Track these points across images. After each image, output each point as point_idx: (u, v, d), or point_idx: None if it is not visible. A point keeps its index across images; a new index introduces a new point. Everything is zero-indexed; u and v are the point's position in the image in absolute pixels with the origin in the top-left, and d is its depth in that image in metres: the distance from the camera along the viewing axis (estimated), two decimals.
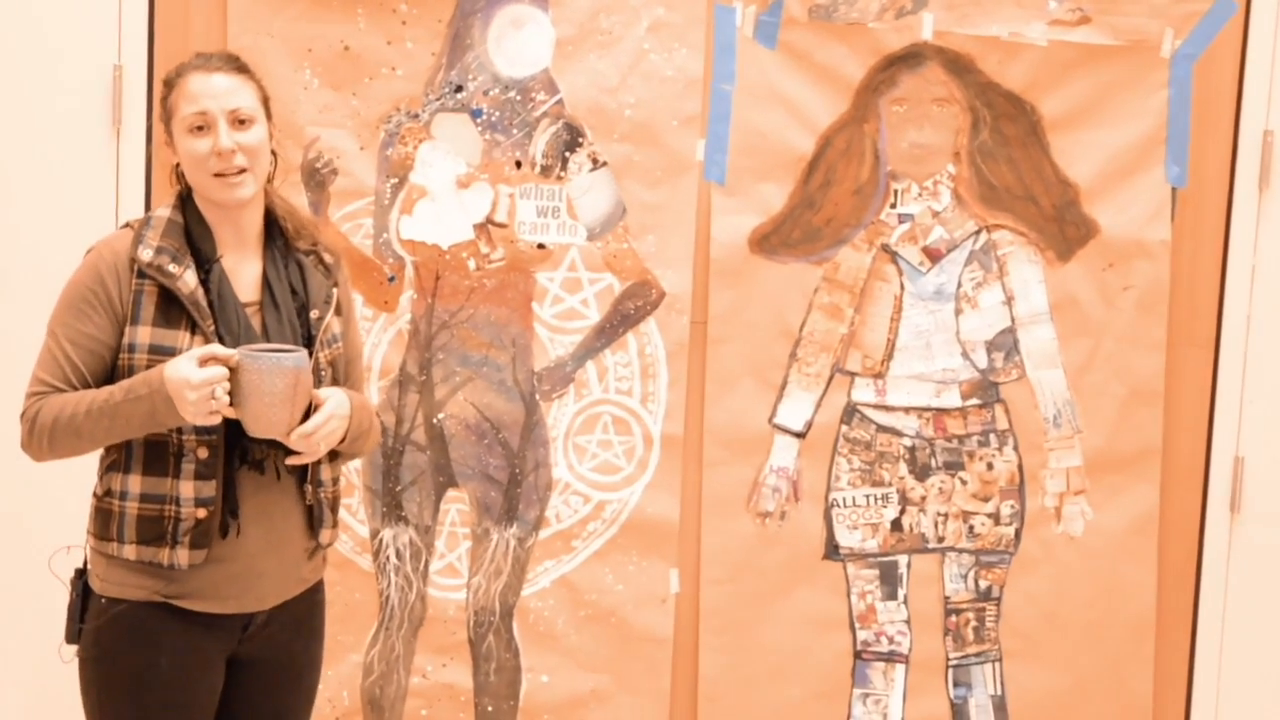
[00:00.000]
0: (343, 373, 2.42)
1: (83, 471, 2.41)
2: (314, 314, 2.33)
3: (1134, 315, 3.24)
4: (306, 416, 2.23)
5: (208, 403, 2.12)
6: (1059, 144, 3.21)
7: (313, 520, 2.35)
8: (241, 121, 2.26)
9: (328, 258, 2.41)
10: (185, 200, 2.32)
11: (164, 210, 2.31)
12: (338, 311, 2.38)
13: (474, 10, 3.15)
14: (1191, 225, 3.24)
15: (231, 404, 2.15)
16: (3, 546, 3.19)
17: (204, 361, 2.14)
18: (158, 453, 2.24)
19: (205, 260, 2.26)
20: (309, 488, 2.33)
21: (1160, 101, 3.19)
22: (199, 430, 2.21)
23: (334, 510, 2.40)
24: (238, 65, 2.31)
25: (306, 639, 2.44)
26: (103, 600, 2.27)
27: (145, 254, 2.23)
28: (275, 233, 2.36)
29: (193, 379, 2.11)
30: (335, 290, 2.39)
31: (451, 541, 3.24)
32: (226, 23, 3.10)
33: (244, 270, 2.31)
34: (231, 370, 2.14)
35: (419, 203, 3.17)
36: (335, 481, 2.40)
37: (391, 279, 3.19)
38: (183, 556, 2.23)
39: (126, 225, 2.33)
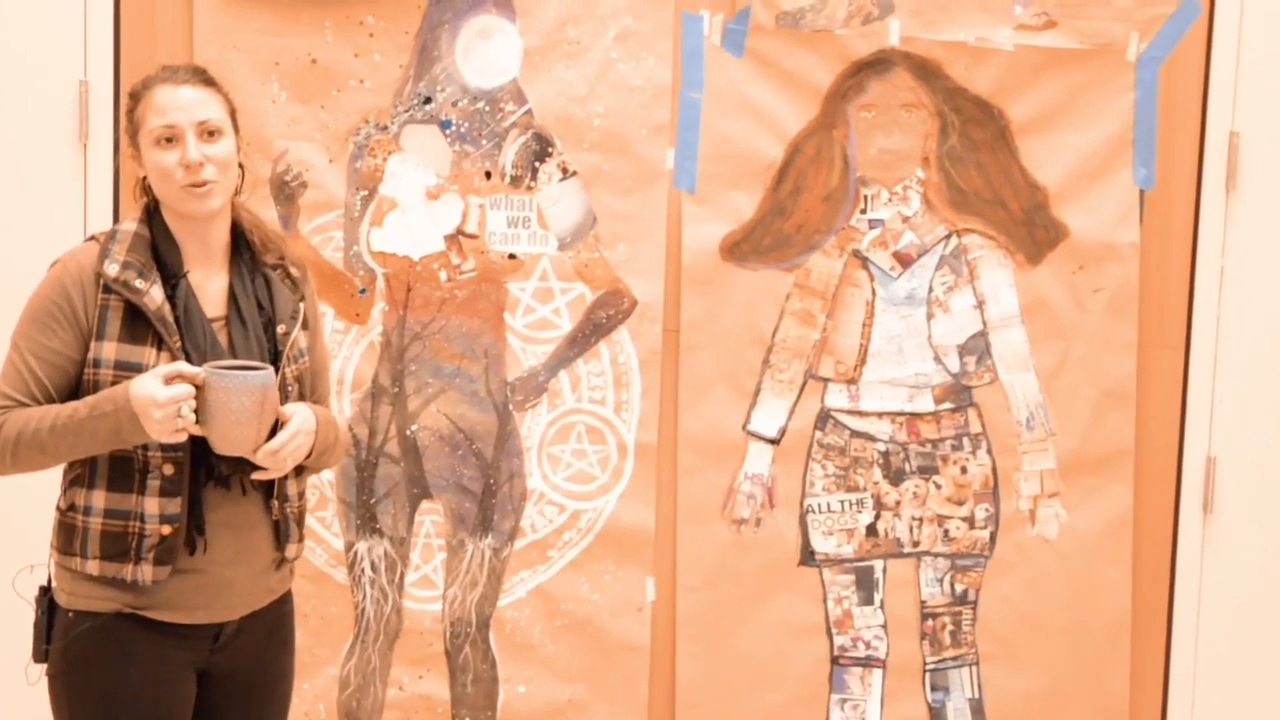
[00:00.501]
0: (309, 387, 2.41)
1: (43, 490, 2.39)
2: (280, 329, 2.32)
3: (1105, 317, 3.25)
4: (273, 433, 2.22)
5: (173, 421, 2.11)
6: (1027, 148, 3.22)
7: (279, 534, 2.34)
8: (210, 133, 2.25)
9: (294, 271, 2.40)
10: (151, 214, 2.31)
11: (130, 224, 2.29)
12: (304, 326, 2.38)
13: (441, 22, 3.14)
14: (1160, 227, 3.25)
15: (198, 422, 2.14)
16: None
17: (170, 379, 2.13)
18: (123, 469, 2.22)
19: (171, 275, 2.25)
20: (275, 503, 2.32)
21: (1127, 104, 3.21)
22: (165, 447, 2.20)
23: (300, 524, 2.39)
24: (205, 78, 2.31)
25: (277, 649, 2.43)
26: (70, 614, 2.26)
27: (111, 269, 2.22)
28: (242, 246, 2.35)
29: (158, 397, 2.10)
30: (302, 305, 2.38)
31: (427, 553, 3.23)
32: (193, 36, 3.10)
33: (210, 285, 2.30)
34: (198, 388, 2.13)
35: (389, 215, 3.17)
36: (300, 496, 2.39)
37: (363, 291, 3.19)
38: (146, 572, 2.22)
39: (92, 239, 2.31)
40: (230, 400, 2.12)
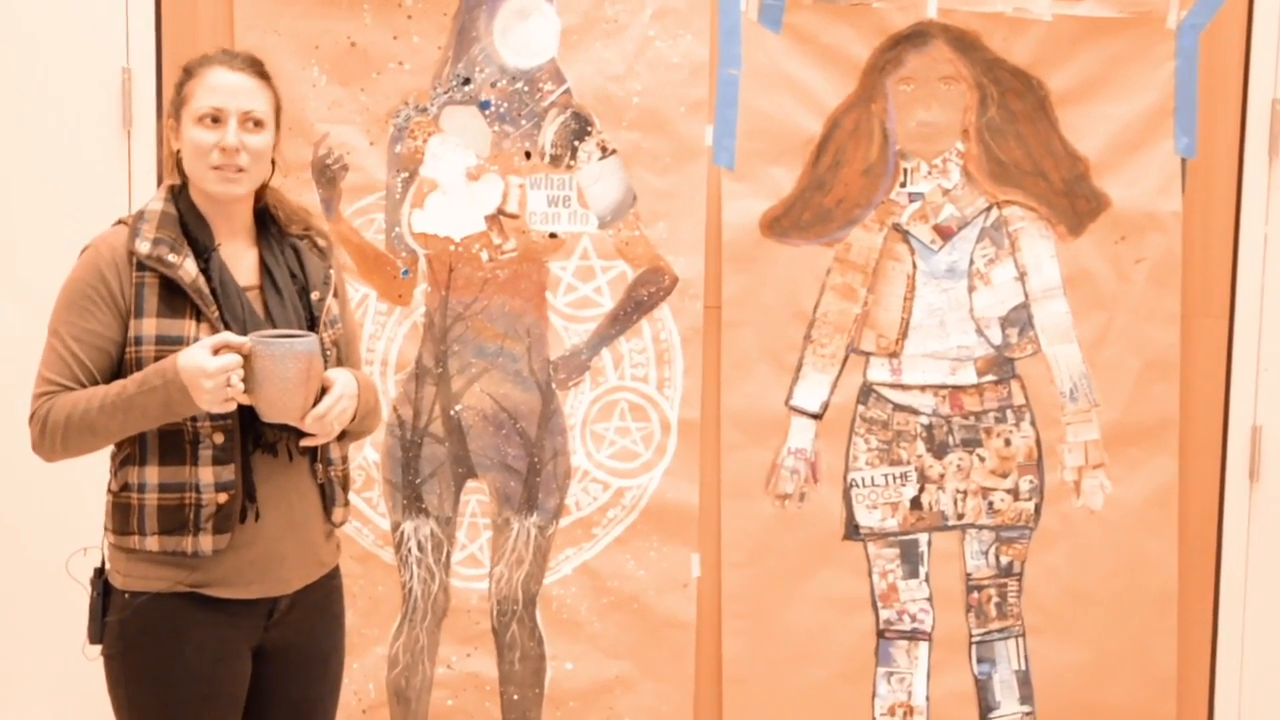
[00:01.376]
0: (345, 353, 2.45)
1: (90, 473, 2.42)
2: (314, 295, 2.36)
3: (1147, 287, 3.24)
4: (317, 400, 2.24)
5: (223, 390, 2.13)
6: (1067, 118, 3.21)
7: (325, 500, 2.38)
8: (253, 123, 2.29)
9: (321, 241, 2.44)
10: (178, 193, 2.33)
11: (156, 203, 2.32)
12: (335, 293, 2.41)
13: (479, 2, 3.15)
14: (1202, 196, 3.24)
15: (246, 391, 2.16)
16: (16, 553, 3.21)
17: (217, 349, 2.15)
18: (173, 442, 2.25)
19: (203, 249, 2.28)
20: (319, 467, 2.35)
21: (1167, 73, 3.19)
22: (213, 416, 2.22)
23: (345, 489, 2.42)
24: (260, 70, 2.34)
25: (329, 624, 2.46)
26: (125, 595, 2.28)
27: (143, 246, 2.25)
28: (267, 220, 2.39)
29: (208, 367, 2.12)
30: (332, 272, 2.42)
31: (472, 532, 3.25)
32: (233, 22, 3.11)
33: (241, 259, 2.34)
34: (245, 357, 2.15)
35: (430, 196, 3.18)
36: (344, 460, 2.42)
37: (405, 273, 3.20)
38: (206, 542, 2.25)
39: (120, 222, 2.34)
40: (277, 368, 2.15)
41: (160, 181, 3.12)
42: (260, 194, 2.39)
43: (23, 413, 2.29)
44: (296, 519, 2.34)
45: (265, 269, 2.34)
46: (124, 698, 2.31)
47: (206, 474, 2.24)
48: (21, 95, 3.15)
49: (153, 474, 2.26)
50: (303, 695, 2.43)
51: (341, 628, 2.50)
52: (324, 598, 2.44)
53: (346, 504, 2.44)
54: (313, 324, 2.34)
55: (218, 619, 2.29)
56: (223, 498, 2.25)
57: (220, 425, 2.24)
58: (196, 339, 2.21)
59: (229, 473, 2.25)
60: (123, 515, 2.29)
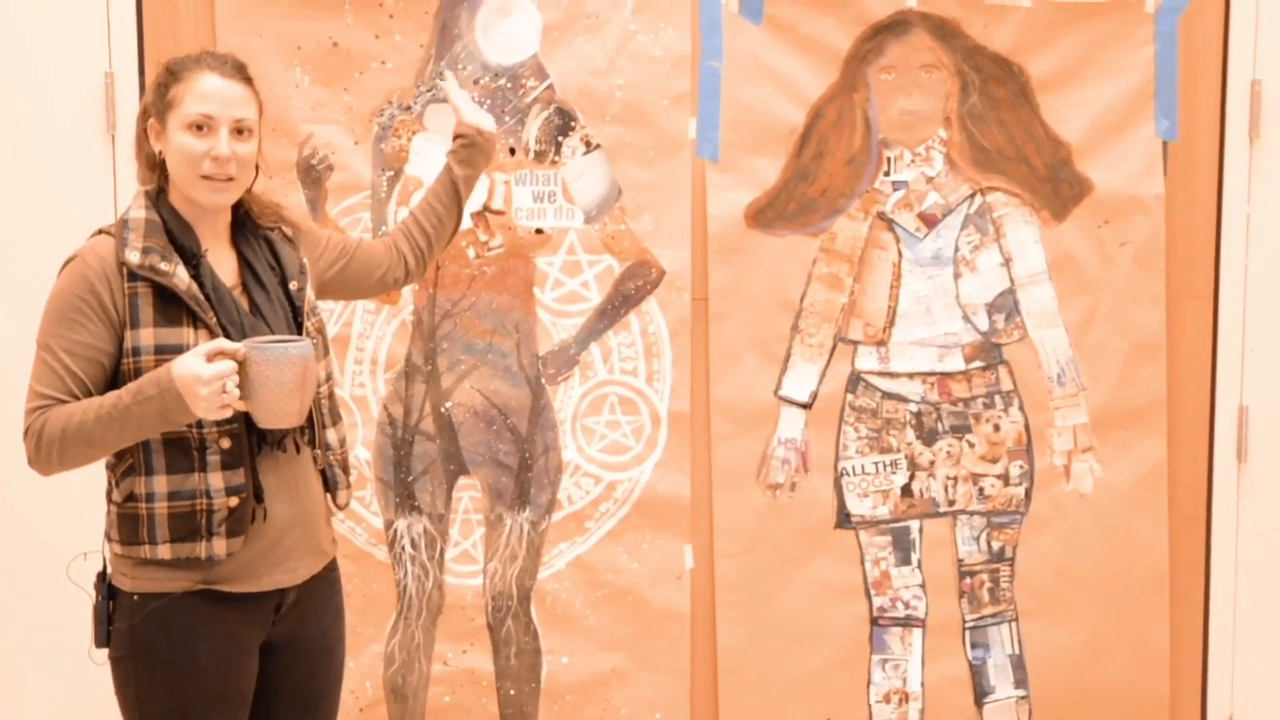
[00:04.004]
0: (358, 259, 2.57)
1: (90, 477, 2.42)
2: (293, 285, 2.37)
3: (1132, 270, 3.25)
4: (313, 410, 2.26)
5: (219, 397, 2.13)
6: (1048, 104, 3.23)
7: (329, 485, 2.41)
8: (240, 132, 2.28)
9: (288, 230, 2.45)
10: (157, 198, 2.31)
11: (138, 211, 2.29)
12: (305, 272, 2.43)
13: (460, 0, 3.16)
14: (1184, 178, 3.25)
15: (241, 397, 2.17)
16: (19, 556, 3.21)
17: (212, 357, 2.15)
18: (180, 449, 2.24)
19: (190, 255, 2.27)
20: (318, 453, 2.37)
21: (1147, 56, 3.21)
22: (219, 422, 2.23)
23: (345, 470, 2.45)
24: (246, 75, 2.33)
25: (333, 616, 2.48)
26: (135, 597, 2.27)
27: (133, 257, 2.23)
28: (241, 217, 2.39)
29: (203, 374, 2.12)
30: (305, 260, 2.43)
31: (465, 528, 3.26)
32: (214, 25, 3.12)
33: (222, 259, 2.34)
34: (239, 364, 2.16)
35: (415, 194, 3.19)
36: (342, 444, 2.45)
37: None
38: (220, 546, 2.25)
39: (101, 231, 2.31)
40: (272, 373, 2.15)
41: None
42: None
43: (13, 420, 2.28)
44: (301, 509, 2.35)
45: (247, 266, 2.34)
46: (134, 699, 2.30)
47: (216, 479, 2.24)
48: (4, 101, 3.15)
49: (160, 483, 2.25)
50: (309, 688, 2.44)
51: (343, 619, 2.52)
52: (326, 589, 2.45)
53: (349, 486, 2.46)
54: (296, 314, 2.35)
55: (228, 616, 2.29)
56: (234, 501, 2.25)
57: (226, 431, 2.24)
58: (195, 346, 2.20)
59: (239, 477, 2.25)
60: (130, 526, 2.27)
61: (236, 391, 2.15)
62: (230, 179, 2.27)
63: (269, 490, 2.30)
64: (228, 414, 2.17)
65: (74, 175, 3.15)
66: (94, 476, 2.39)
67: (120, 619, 2.29)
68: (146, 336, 2.23)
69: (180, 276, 2.24)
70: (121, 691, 2.31)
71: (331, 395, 2.44)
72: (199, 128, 2.25)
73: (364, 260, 2.58)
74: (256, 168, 2.37)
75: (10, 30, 3.14)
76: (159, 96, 2.29)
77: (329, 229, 2.63)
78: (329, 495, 2.43)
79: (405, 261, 2.62)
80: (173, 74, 2.29)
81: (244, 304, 2.31)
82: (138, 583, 2.28)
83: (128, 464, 2.27)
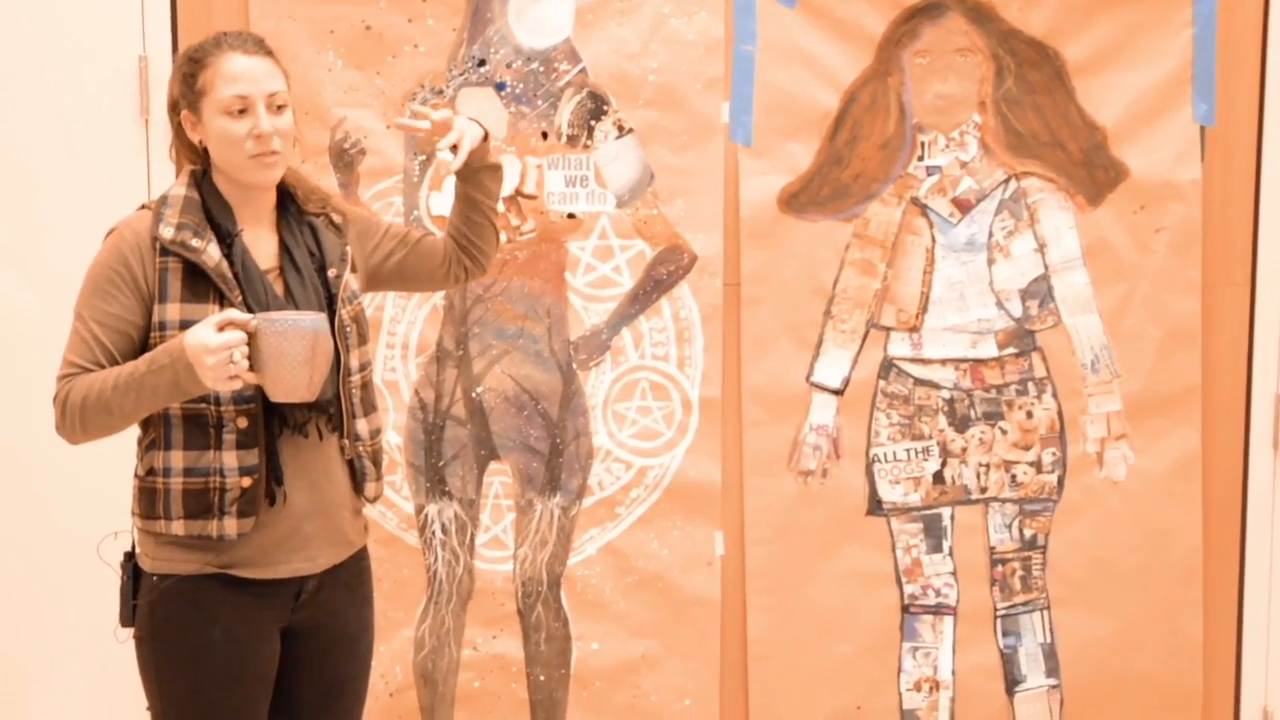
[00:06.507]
0: (410, 239, 2.55)
1: (122, 454, 2.43)
2: (331, 272, 2.36)
3: (1167, 257, 3.23)
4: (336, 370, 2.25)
5: (226, 367, 2.11)
6: (1084, 88, 3.20)
7: (355, 477, 2.38)
8: (278, 106, 2.29)
9: (336, 217, 2.44)
10: (200, 178, 2.33)
11: (179, 189, 2.31)
12: (354, 269, 2.42)
13: None
14: (1222, 163, 3.22)
15: (251, 369, 2.16)
16: (50, 536, 3.23)
17: (222, 326, 2.15)
18: (197, 426, 2.25)
19: (225, 234, 2.28)
20: (347, 444, 2.35)
21: (1185, 40, 3.18)
22: (236, 400, 2.23)
23: (376, 464, 2.42)
24: (268, 49, 2.33)
25: (358, 605, 2.46)
26: (154, 578, 2.29)
27: (167, 232, 2.25)
28: (286, 201, 2.39)
29: (210, 343, 2.11)
30: (349, 248, 2.42)
31: (496, 514, 3.26)
32: (248, 9, 3.11)
33: (262, 241, 2.34)
34: (251, 336, 2.15)
35: (448, 178, 3.18)
36: (374, 435, 2.42)
37: None
38: (231, 526, 2.26)
39: (143, 207, 2.34)
40: (282, 345, 2.14)
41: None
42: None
43: (47, 399, 2.30)
44: (323, 498, 2.34)
45: (285, 249, 2.34)
46: (155, 680, 2.32)
47: (230, 458, 2.25)
48: (40, 85, 3.15)
49: (177, 458, 2.27)
50: (333, 675, 2.44)
51: (371, 608, 2.51)
52: (353, 578, 2.44)
53: (379, 479, 2.44)
54: (331, 301, 2.34)
55: (245, 600, 2.30)
56: (246, 482, 2.25)
57: (244, 409, 2.24)
58: None
59: (253, 457, 2.25)
60: (149, 500, 2.30)
61: (245, 363, 2.13)
62: (276, 153, 2.28)
63: (289, 476, 2.29)
64: (236, 385, 2.14)
65: (107, 159, 3.16)
66: (127, 455, 2.40)
67: (141, 599, 2.31)
68: (173, 311, 2.24)
69: (210, 254, 2.25)
70: (144, 672, 2.33)
71: (365, 385, 2.41)
72: (238, 111, 2.26)
73: (423, 253, 2.55)
74: (295, 142, 2.37)
75: (45, 14, 3.14)
76: (188, 87, 2.29)
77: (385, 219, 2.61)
78: (355, 486, 2.40)
79: (461, 259, 2.57)
80: (196, 61, 2.29)
81: (278, 287, 2.31)
82: (156, 563, 2.30)
83: (151, 437, 2.30)
